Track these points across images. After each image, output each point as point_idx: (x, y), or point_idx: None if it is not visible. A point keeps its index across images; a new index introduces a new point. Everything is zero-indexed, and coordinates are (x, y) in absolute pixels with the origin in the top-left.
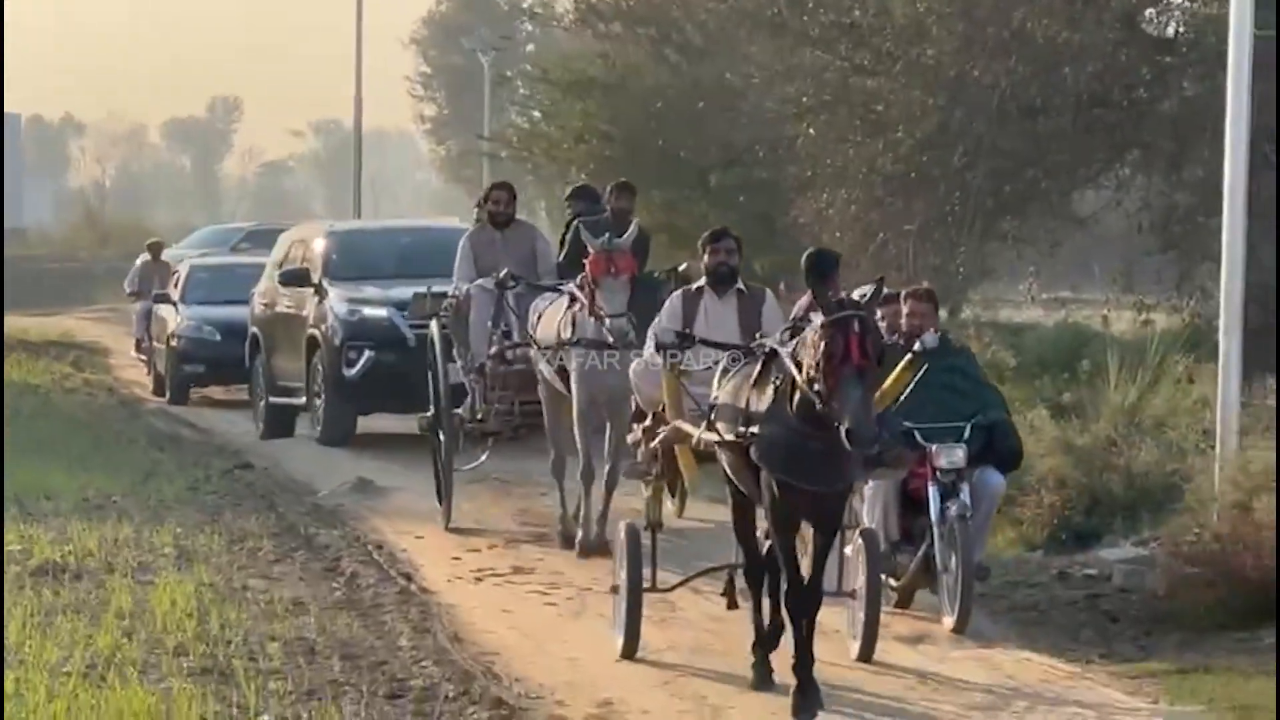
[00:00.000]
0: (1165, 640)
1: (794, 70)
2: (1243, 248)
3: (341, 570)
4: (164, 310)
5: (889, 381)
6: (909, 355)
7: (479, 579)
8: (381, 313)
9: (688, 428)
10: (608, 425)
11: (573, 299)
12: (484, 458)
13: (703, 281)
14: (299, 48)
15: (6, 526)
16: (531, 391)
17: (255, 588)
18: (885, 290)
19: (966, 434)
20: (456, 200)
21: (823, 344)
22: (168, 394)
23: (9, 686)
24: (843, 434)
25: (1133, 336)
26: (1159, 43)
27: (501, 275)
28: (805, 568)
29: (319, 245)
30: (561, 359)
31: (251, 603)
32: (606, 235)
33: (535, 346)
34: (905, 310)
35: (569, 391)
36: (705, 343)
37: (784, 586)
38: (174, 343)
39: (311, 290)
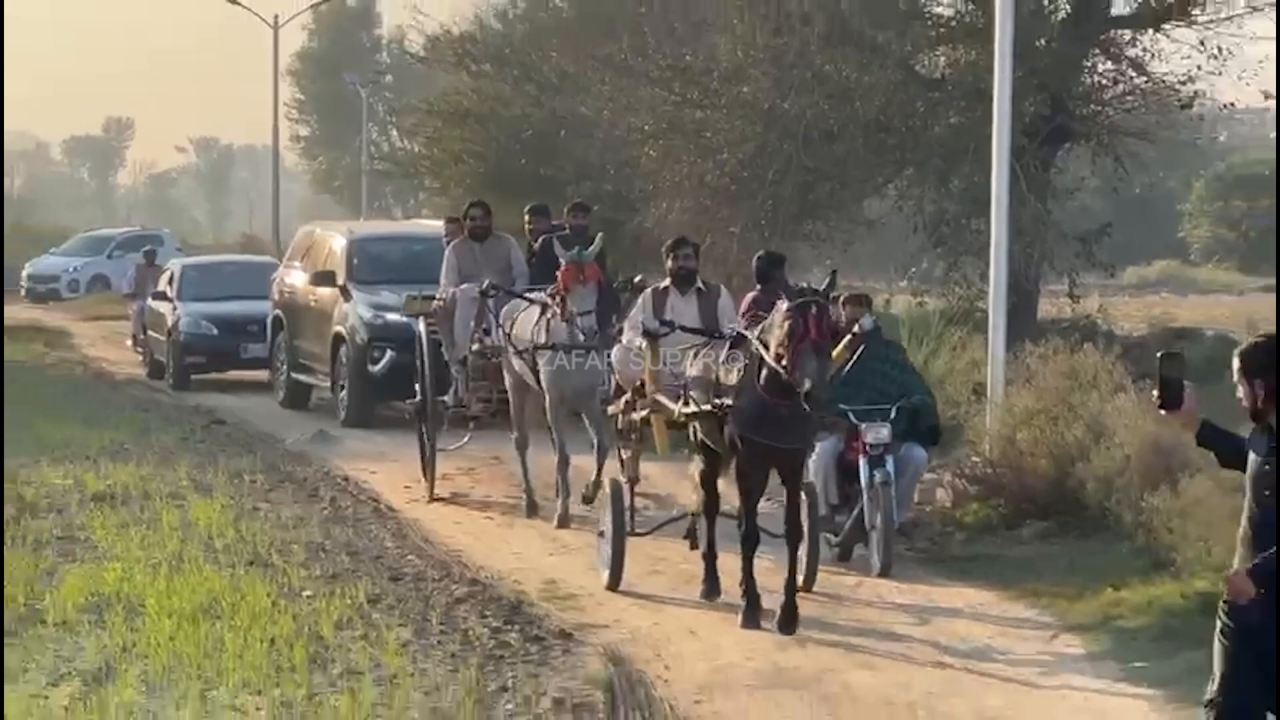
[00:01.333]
0: (952, 539)
1: (636, 103)
2: (1006, 242)
3: (321, 496)
4: (162, 306)
5: (835, 353)
6: (850, 335)
7: (429, 502)
8: (402, 318)
9: (666, 401)
10: (583, 414)
11: (544, 307)
12: (467, 439)
13: (667, 281)
14: (182, 73)
15: (52, 467)
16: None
17: (263, 509)
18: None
19: (893, 414)
20: (325, 205)
21: (786, 324)
22: (170, 380)
23: (113, 577)
24: (802, 396)
25: (908, 316)
26: (930, 82)
27: (484, 285)
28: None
29: (340, 249)
30: (535, 358)
31: (264, 519)
32: (576, 249)
33: (509, 345)
34: (845, 312)
35: (538, 385)
36: (684, 329)
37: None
38: (176, 336)
39: (337, 291)
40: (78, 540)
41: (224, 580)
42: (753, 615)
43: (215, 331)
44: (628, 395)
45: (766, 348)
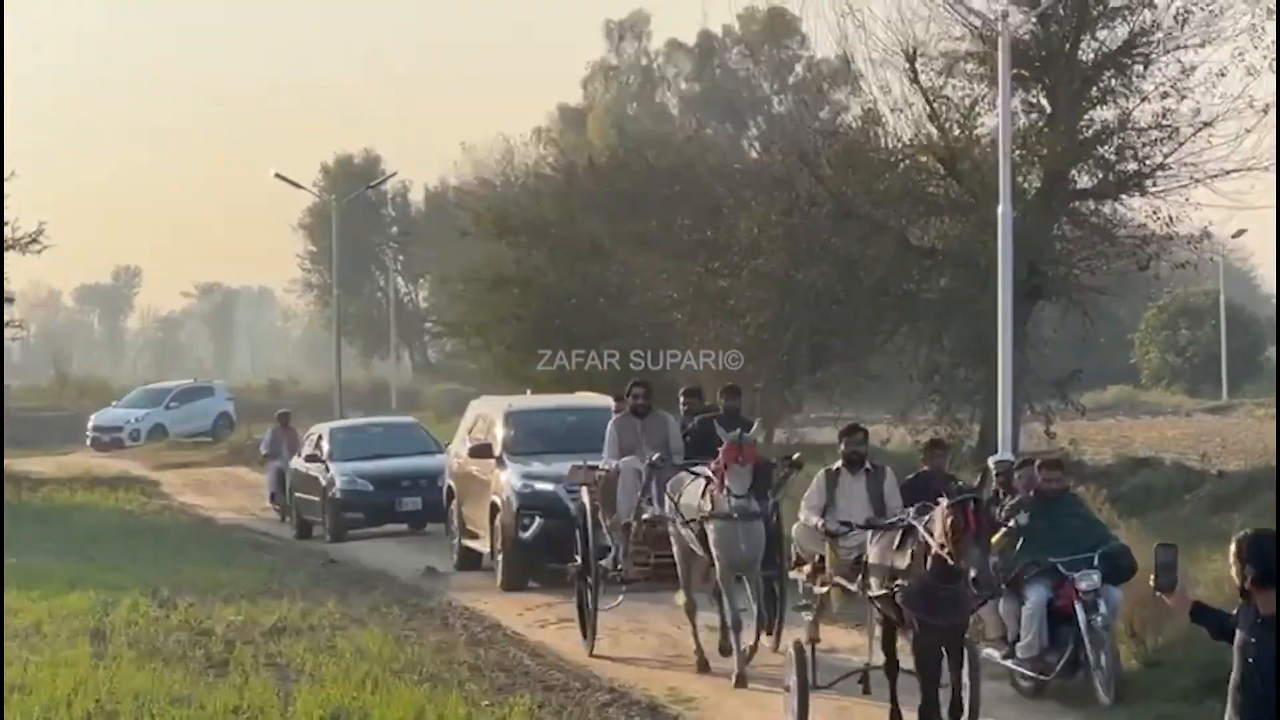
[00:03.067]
0: None
1: (665, 273)
2: (1011, 386)
3: (452, 624)
4: (312, 467)
5: (993, 542)
6: (1004, 530)
7: (542, 626)
8: (549, 487)
9: (845, 583)
10: (744, 578)
11: (709, 480)
12: (620, 599)
13: (839, 464)
14: (187, 223)
15: (222, 606)
16: (665, 547)
17: (412, 635)
18: (1011, 459)
19: (1095, 560)
20: (324, 343)
21: (950, 518)
22: (328, 535)
23: (336, 694)
24: (970, 582)
25: (905, 451)
26: (924, 251)
27: (655, 458)
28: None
29: (499, 421)
30: (701, 525)
31: (418, 643)
32: (737, 431)
33: (677, 514)
34: (1040, 476)
35: (703, 550)
36: (860, 527)
37: (925, 693)
38: (332, 494)
39: (494, 461)
40: (279, 666)
41: (420, 694)
42: None
43: (371, 488)
44: (808, 566)
45: (932, 534)
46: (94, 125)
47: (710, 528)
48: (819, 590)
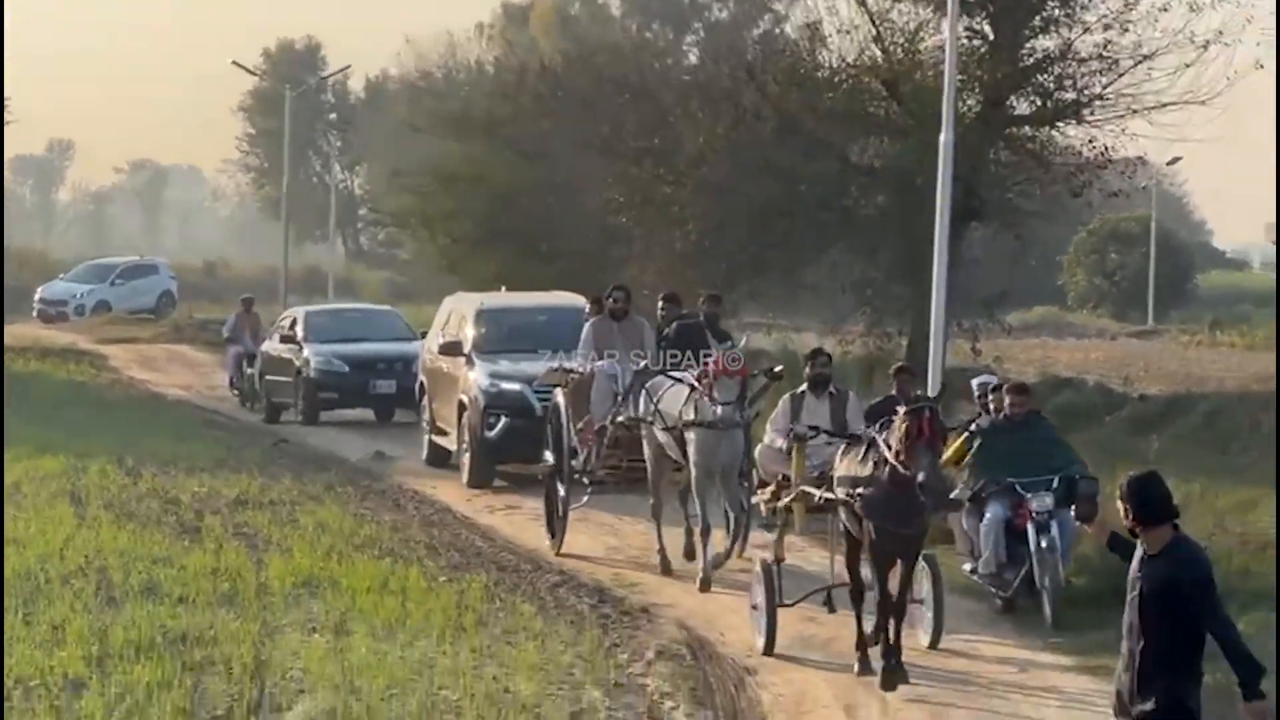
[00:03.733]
0: None
1: (613, 177)
2: (943, 304)
3: (404, 506)
4: (284, 349)
5: (951, 450)
6: (964, 434)
7: (490, 511)
8: (516, 387)
9: (810, 489)
10: (718, 486)
11: (692, 388)
12: (585, 499)
13: (804, 387)
14: (122, 99)
15: (186, 477)
16: (637, 452)
17: (368, 514)
18: (994, 380)
19: (1054, 484)
20: (258, 226)
21: (904, 426)
22: (300, 416)
23: (305, 563)
24: (919, 487)
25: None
26: (863, 170)
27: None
28: (893, 586)
29: (470, 319)
30: (681, 431)
31: (375, 522)
32: (730, 343)
33: (658, 418)
34: (1008, 400)
35: (680, 456)
36: (827, 432)
37: (880, 598)
38: (306, 374)
39: (463, 359)
40: (246, 535)
41: (383, 567)
42: (865, 665)
43: (346, 369)
44: (772, 486)
45: (889, 447)
46: None
47: (692, 434)
48: (782, 506)
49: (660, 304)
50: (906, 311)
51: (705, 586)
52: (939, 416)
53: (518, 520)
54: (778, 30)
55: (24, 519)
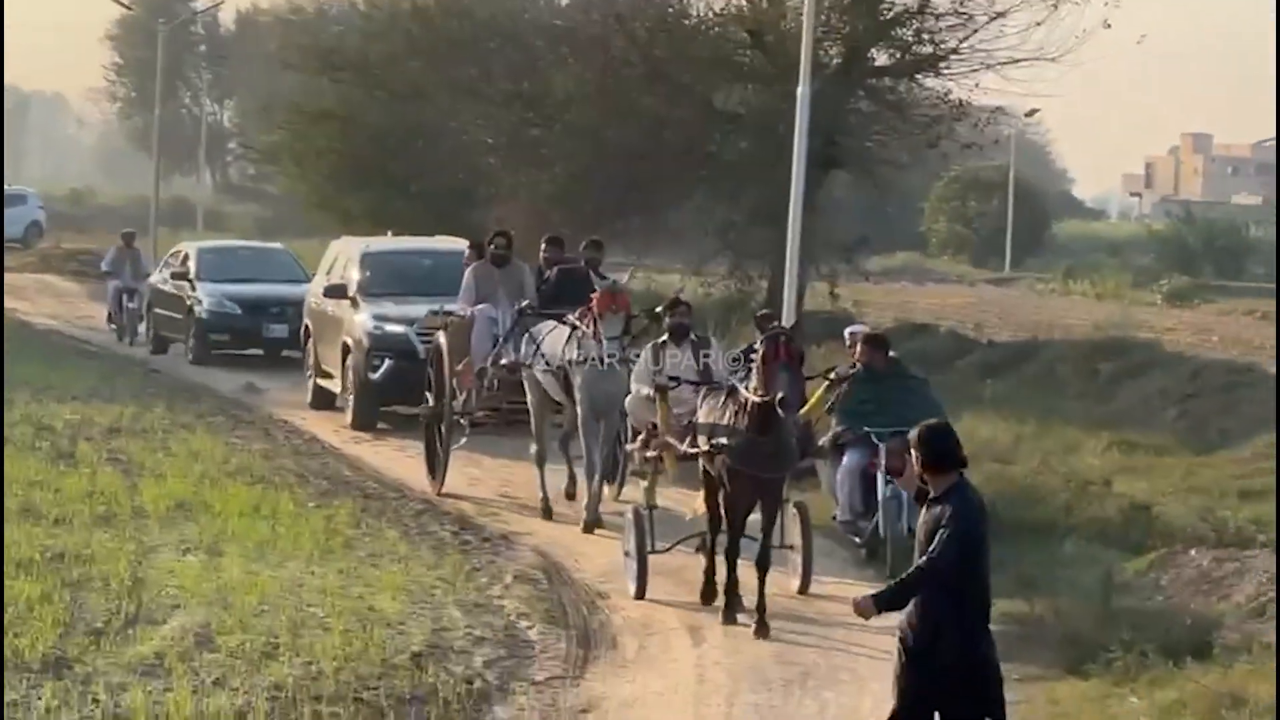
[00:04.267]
0: None
1: (481, 118)
2: (799, 252)
3: (274, 435)
4: (175, 285)
5: (814, 398)
6: (827, 381)
7: (357, 442)
8: (400, 329)
9: (674, 442)
10: (602, 424)
11: (574, 328)
12: (464, 441)
13: (665, 337)
14: None
15: (58, 405)
16: (516, 394)
17: (238, 443)
18: (864, 330)
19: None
20: (125, 156)
21: (761, 351)
22: (190, 355)
23: (179, 488)
24: (776, 403)
25: (699, 305)
26: (727, 116)
27: (524, 305)
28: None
29: (355, 263)
30: (565, 372)
31: (245, 451)
32: (612, 280)
33: (540, 360)
34: (859, 350)
35: (565, 397)
36: (688, 382)
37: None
38: (198, 314)
39: (348, 302)
40: (121, 461)
41: (255, 493)
42: (730, 614)
43: (239, 311)
44: (643, 435)
45: (752, 390)
46: None
47: (577, 375)
48: (651, 455)
49: (543, 247)
50: (767, 255)
51: (590, 528)
52: (793, 341)
53: (384, 451)
54: None
55: None
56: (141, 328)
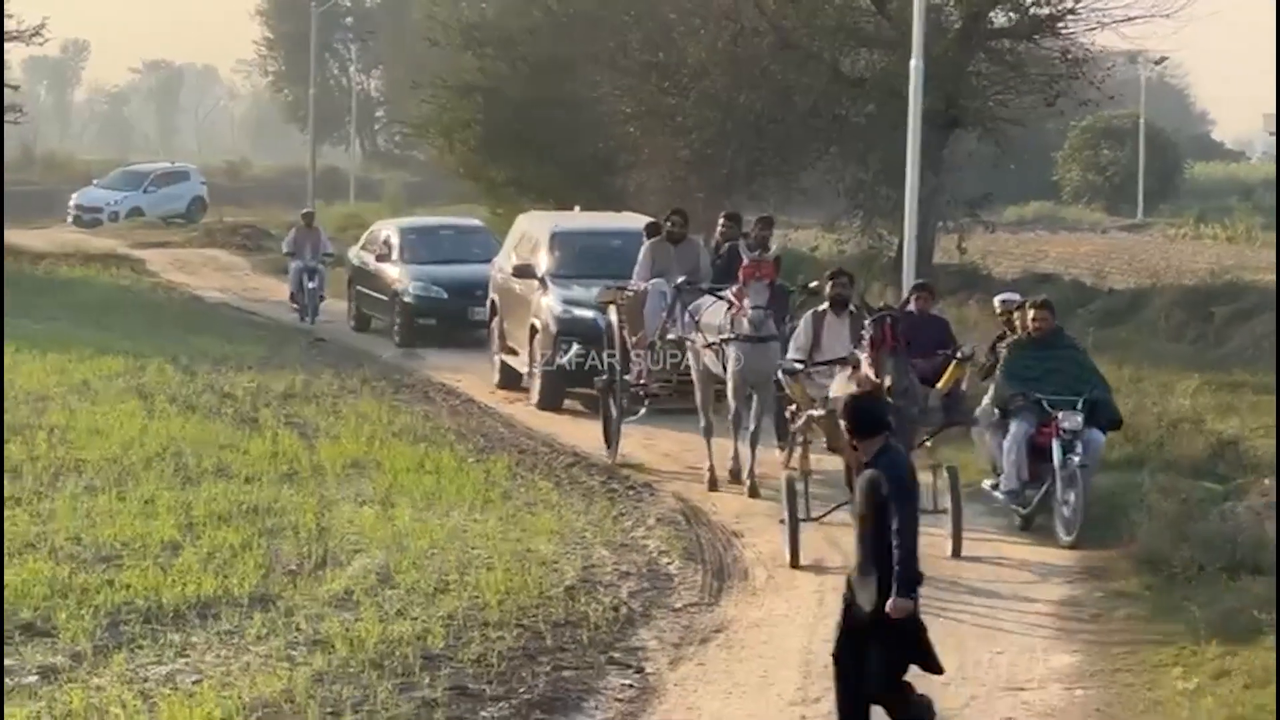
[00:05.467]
0: None
1: (620, 90)
2: (916, 207)
3: (433, 398)
4: (380, 266)
5: (946, 375)
6: (957, 357)
7: (510, 403)
8: (589, 314)
9: (815, 413)
10: (754, 396)
11: (730, 304)
12: (642, 412)
13: (825, 305)
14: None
15: (237, 374)
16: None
17: (401, 405)
18: (1017, 299)
19: (1080, 404)
20: (277, 127)
21: (868, 336)
22: (397, 339)
23: (352, 449)
24: (885, 390)
25: (832, 257)
26: (853, 81)
27: (680, 281)
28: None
29: (544, 242)
30: (722, 346)
31: (407, 412)
32: (758, 250)
33: (700, 335)
34: (1030, 316)
35: (723, 371)
36: (818, 363)
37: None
38: (404, 298)
39: (536, 282)
40: (297, 425)
41: (418, 451)
42: None
43: (445, 295)
44: (793, 406)
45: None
46: None
47: (729, 346)
48: (795, 427)
49: (720, 223)
50: (895, 212)
51: (754, 493)
52: (899, 323)
53: (534, 411)
54: None
55: (100, 412)
56: (321, 306)
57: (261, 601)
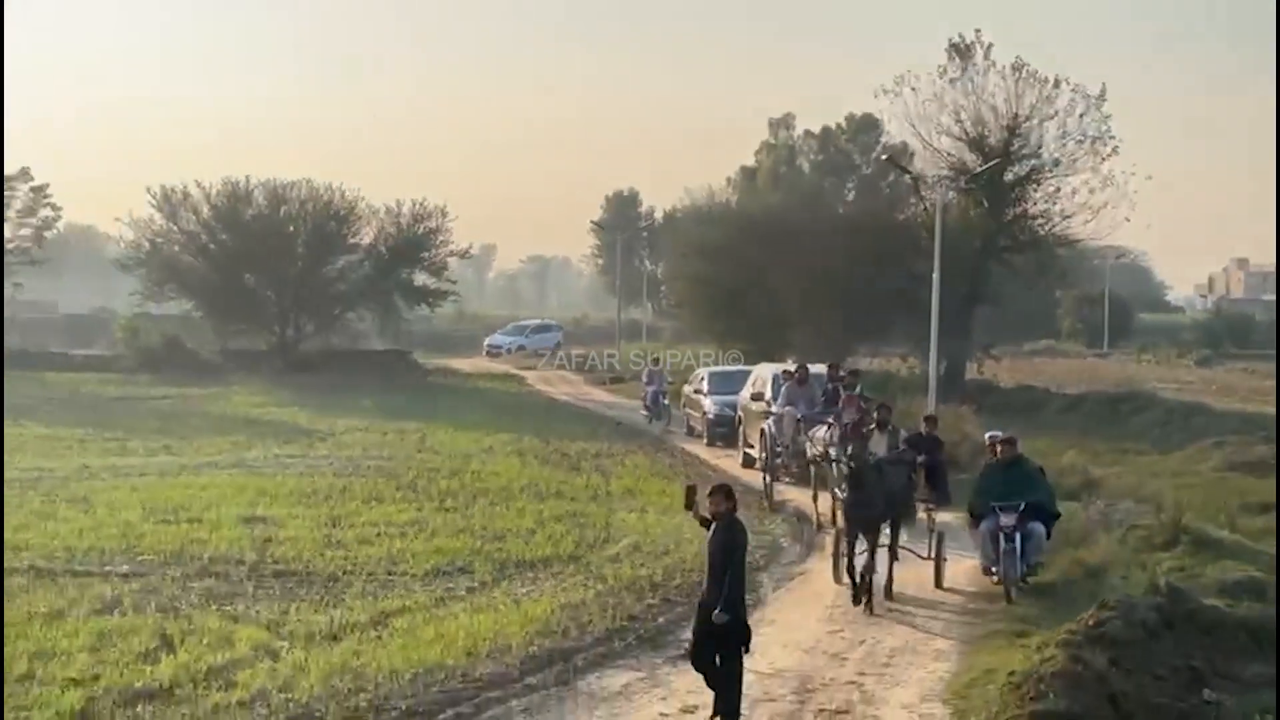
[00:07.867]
0: None
1: (788, 280)
2: (937, 356)
3: (675, 454)
4: (696, 397)
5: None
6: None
7: (717, 460)
8: (797, 422)
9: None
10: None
11: (829, 425)
12: (787, 481)
13: (873, 425)
14: (516, 216)
15: (571, 442)
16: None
17: (658, 458)
18: (1000, 435)
19: (1021, 507)
20: (601, 293)
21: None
22: (705, 439)
23: (651, 489)
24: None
25: (905, 376)
26: (916, 275)
27: (812, 412)
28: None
29: (769, 380)
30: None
31: (661, 462)
32: (855, 386)
33: (810, 445)
34: (999, 447)
35: (824, 466)
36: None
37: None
38: (709, 415)
39: (765, 404)
40: (601, 470)
41: (665, 483)
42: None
43: (732, 413)
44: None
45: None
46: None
47: (835, 470)
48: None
49: (826, 369)
50: (943, 352)
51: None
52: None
53: (734, 461)
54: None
55: (496, 463)
56: (666, 412)
57: (573, 559)
